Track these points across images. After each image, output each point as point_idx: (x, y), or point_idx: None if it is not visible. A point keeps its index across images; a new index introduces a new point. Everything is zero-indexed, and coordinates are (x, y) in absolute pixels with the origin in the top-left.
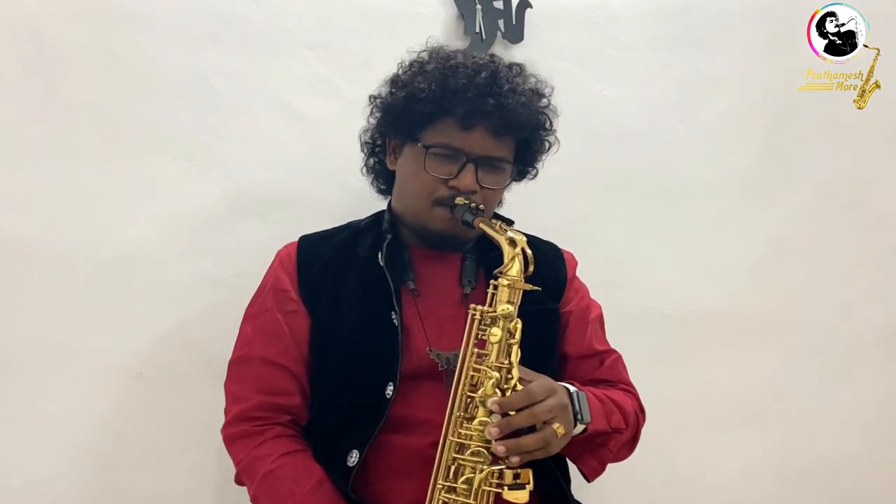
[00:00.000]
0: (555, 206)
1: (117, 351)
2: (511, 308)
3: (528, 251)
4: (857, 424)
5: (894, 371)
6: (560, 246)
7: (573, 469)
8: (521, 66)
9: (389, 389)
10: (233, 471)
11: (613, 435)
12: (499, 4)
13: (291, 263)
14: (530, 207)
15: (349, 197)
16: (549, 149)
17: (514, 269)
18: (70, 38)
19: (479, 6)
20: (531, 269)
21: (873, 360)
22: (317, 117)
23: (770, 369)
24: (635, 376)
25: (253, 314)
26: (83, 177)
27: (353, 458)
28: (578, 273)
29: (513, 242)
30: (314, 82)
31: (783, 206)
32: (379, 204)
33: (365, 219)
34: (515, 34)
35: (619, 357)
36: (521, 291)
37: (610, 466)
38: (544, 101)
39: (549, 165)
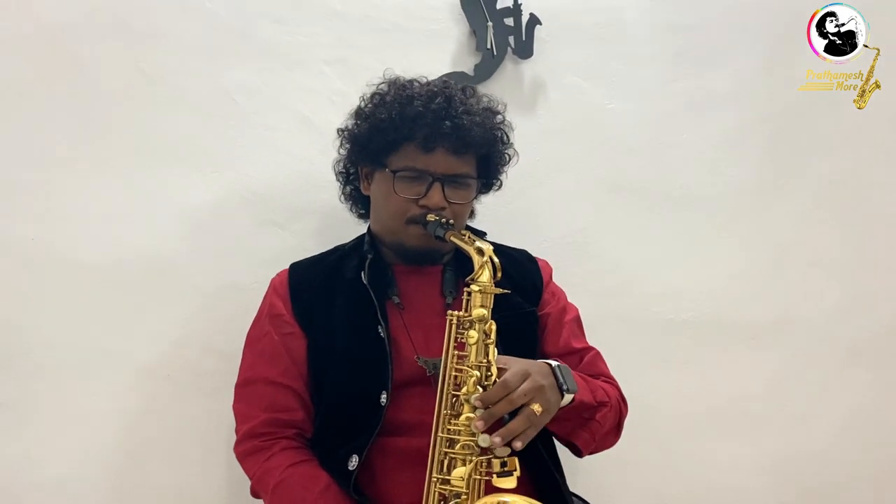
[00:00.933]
0: (562, 216)
1: (146, 354)
2: (484, 311)
3: (496, 259)
4: (855, 427)
5: (891, 375)
6: (566, 254)
7: (571, 460)
8: (473, 89)
9: (383, 398)
10: None
11: (599, 408)
12: (509, 21)
13: (284, 289)
14: (538, 217)
15: None
16: (509, 161)
17: (485, 275)
18: (98, 56)
19: (490, 23)
20: (499, 275)
21: (871, 365)
22: (334, 130)
23: (769, 373)
24: (639, 380)
25: (253, 340)
26: (112, 188)
27: (353, 462)
28: (581, 278)
29: (481, 251)
30: (331, 96)
31: (782, 213)
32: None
33: (350, 242)
34: (525, 50)
35: (598, 353)
36: (493, 295)
37: (613, 467)
38: (499, 117)
39: (556, 176)
